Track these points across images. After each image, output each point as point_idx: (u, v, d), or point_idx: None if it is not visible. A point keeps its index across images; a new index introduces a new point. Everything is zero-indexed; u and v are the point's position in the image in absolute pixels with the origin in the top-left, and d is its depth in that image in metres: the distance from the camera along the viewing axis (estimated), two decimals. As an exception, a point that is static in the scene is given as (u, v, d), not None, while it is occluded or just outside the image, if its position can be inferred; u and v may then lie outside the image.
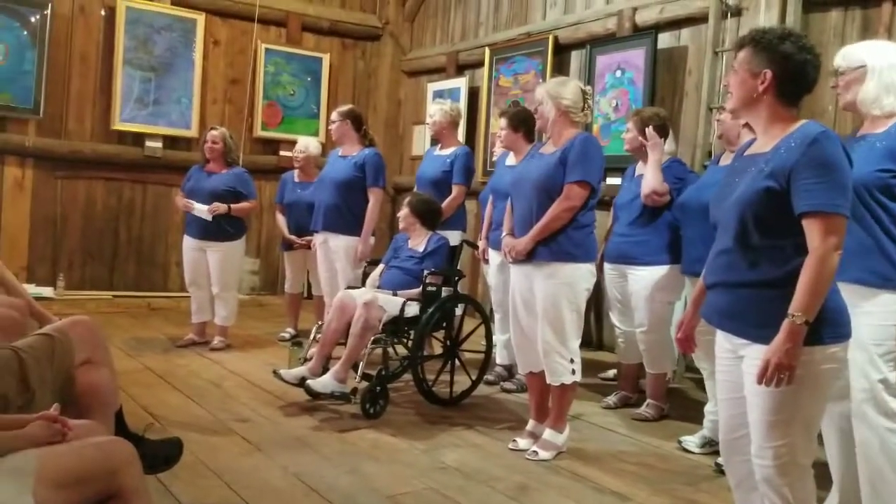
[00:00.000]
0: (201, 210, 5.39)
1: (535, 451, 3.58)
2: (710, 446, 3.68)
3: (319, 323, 4.65)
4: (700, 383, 4.34)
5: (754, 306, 2.16)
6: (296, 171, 6.17)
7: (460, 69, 7.79)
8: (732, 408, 2.30)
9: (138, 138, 7.28)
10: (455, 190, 5.20)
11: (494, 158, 5.17)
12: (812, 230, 2.05)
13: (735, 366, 2.26)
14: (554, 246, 3.50)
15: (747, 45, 2.23)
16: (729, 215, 2.20)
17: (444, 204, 5.05)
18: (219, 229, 5.49)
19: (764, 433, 2.14)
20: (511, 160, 4.76)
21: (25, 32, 6.67)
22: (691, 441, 3.79)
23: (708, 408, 3.78)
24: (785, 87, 2.18)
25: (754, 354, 2.13)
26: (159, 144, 7.35)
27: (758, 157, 2.21)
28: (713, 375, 3.60)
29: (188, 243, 5.63)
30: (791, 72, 2.17)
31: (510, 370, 4.94)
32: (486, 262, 5.00)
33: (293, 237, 5.98)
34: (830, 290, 2.07)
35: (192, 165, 5.88)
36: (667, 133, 4.29)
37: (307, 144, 6.16)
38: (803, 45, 2.18)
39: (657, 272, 4.19)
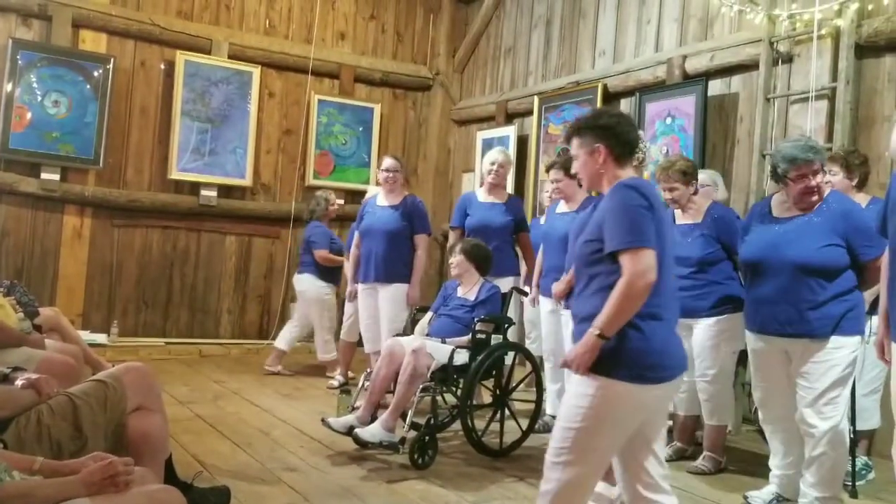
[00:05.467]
0: None
1: (587, 505, 3.48)
2: (778, 502, 3.56)
3: (368, 371, 4.63)
4: (756, 434, 4.21)
5: None
6: None
7: (509, 118, 7.84)
8: None
9: (194, 187, 7.46)
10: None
11: (546, 204, 5.14)
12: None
13: None
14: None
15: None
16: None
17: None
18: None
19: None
20: (562, 208, 4.74)
21: (88, 86, 6.92)
22: (758, 497, 3.64)
23: (773, 462, 3.64)
24: None
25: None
26: (214, 193, 7.51)
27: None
28: (776, 434, 3.52)
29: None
30: None
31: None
32: (533, 306, 5.00)
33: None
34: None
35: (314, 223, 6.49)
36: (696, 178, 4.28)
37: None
38: None
39: (723, 322, 4.09)
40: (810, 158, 3.35)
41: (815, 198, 3.38)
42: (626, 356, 2.31)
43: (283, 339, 6.55)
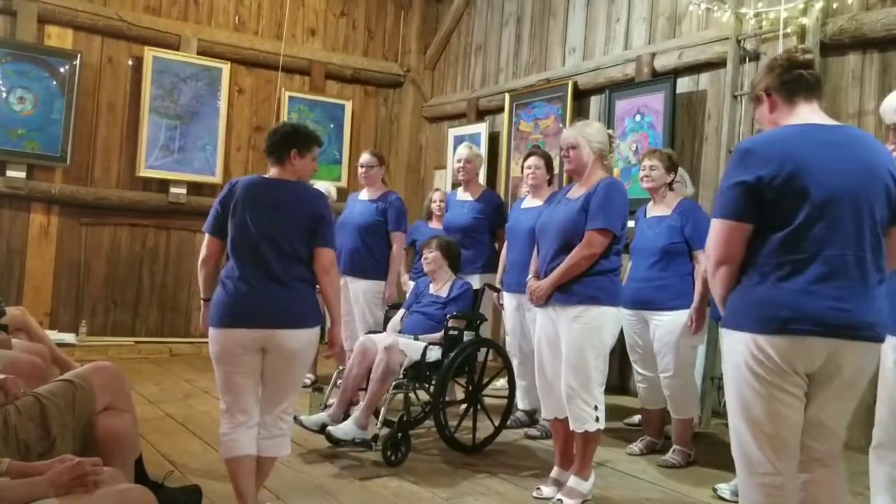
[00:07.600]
0: None
1: (559, 500, 3.51)
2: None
3: (340, 368, 4.62)
4: (726, 427, 4.24)
5: None
6: None
7: (481, 115, 7.86)
8: None
9: (163, 185, 7.37)
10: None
11: (523, 196, 5.12)
12: None
13: None
14: (578, 289, 3.46)
15: None
16: None
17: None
18: None
19: None
20: (528, 203, 4.77)
21: (54, 82, 6.82)
22: (726, 489, 3.69)
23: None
24: None
25: None
26: (183, 191, 7.43)
27: None
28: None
29: None
30: None
31: (531, 415, 4.88)
32: (502, 306, 4.98)
33: None
34: None
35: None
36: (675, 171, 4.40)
37: (328, 189, 6.17)
38: None
39: (681, 317, 4.16)
40: None
41: None
42: (214, 307, 3.03)
43: None
